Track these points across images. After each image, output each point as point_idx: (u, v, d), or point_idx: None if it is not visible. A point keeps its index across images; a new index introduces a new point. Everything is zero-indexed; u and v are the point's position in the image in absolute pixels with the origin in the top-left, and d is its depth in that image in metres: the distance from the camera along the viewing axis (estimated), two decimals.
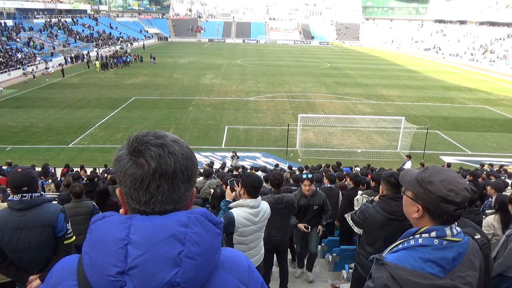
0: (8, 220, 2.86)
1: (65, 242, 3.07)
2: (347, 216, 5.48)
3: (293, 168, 13.24)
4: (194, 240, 0.96)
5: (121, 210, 1.12)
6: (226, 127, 22.06)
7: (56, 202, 3.15)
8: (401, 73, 44.50)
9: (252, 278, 1.09)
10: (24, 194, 2.87)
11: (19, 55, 40.27)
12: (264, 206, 3.99)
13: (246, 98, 29.46)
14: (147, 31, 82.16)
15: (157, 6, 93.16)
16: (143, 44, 66.29)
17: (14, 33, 46.40)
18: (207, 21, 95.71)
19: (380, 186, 3.86)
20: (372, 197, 5.03)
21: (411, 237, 1.54)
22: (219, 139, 20.18)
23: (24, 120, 22.81)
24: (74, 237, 3.21)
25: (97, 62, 42.37)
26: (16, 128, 21.37)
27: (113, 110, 25.07)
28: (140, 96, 29.18)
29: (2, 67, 35.85)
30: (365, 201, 5.09)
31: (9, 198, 2.92)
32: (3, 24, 46.88)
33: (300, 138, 19.25)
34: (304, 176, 5.54)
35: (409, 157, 14.75)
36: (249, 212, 3.79)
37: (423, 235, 1.51)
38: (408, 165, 14.05)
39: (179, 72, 40.82)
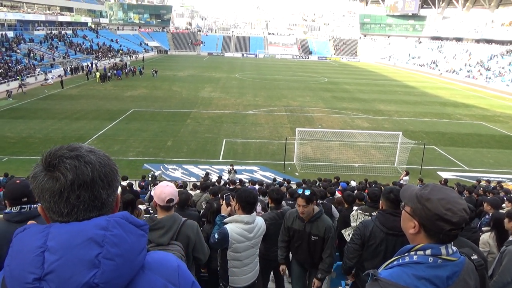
0: (7, 233, 2.77)
1: None
2: (344, 232, 5.44)
3: (291, 183, 13.19)
4: (113, 241, 0.99)
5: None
6: (224, 140, 22.06)
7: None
8: (399, 88, 44.86)
9: (182, 277, 1.12)
10: (23, 206, 2.81)
11: (18, 66, 40.45)
12: (259, 222, 3.95)
13: (245, 111, 29.56)
14: (147, 44, 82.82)
15: (158, 20, 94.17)
16: (143, 57, 66.75)
17: (15, 44, 46.68)
18: (206, 35, 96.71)
19: (380, 202, 3.86)
20: (370, 213, 5.01)
21: (406, 254, 1.54)
22: (217, 152, 20.15)
23: (21, 131, 22.75)
24: None
25: (97, 73, 42.63)
26: (13, 139, 21.30)
27: (111, 122, 25.07)
28: (138, 108, 29.24)
29: (1, 78, 35.94)
30: (362, 218, 5.06)
31: (6, 211, 2.85)
32: (4, 36, 47.19)
33: (297, 152, 19.26)
34: (299, 192, 3.99)
35: (406, 172, 14.75)
36: (243, 228, 3.74)
37: (418, 252, 1.51)
38: (405, 180, 14.03)
39: (178, 85, 41.02)
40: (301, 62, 76.86)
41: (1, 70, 37.48)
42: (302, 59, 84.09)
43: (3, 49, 43.61)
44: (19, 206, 2.82)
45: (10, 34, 49.49)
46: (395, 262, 1.53)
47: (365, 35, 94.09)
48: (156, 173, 16.46)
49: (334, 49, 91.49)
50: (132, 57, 67.52)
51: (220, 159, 19.13)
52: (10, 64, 40.03)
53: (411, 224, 1.56)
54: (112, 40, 72.17)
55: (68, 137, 21.74)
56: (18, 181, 2.91)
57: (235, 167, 16.59)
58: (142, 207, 7.93)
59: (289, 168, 18.16)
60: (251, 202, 3.77)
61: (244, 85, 42.91)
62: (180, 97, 34.25)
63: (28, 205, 2.85)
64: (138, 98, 33.32)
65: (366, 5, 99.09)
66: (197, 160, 18.77)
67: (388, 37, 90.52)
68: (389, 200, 3.65)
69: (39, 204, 1.09)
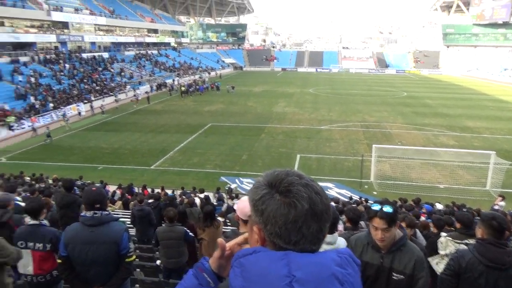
0: (80, 234, 3.07)
1: (127, 260, 3.19)
2: (431, 260, 5.02)
3: (369, 202, 12.70)
4: (350, 281, 1.01)
5: (252, 245, 1.15)
6: (298, 155, 22.03)
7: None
8: (489, 103, 41.06)
9: None
10: (96, 212, 3.08)
11: (112, 84, 44.90)
12: (341, 243, 3.85)
13: (319, 126, 29.30)
14: (224, 61, 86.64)
15: (234, 38, 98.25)
16: (220, 74, 69.89)
17: (109, 64, 51.93)
18: (280, 50, 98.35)
19: (478, 229, 3.54)
20: (465, 241, 4.61)
21: None
22: (291, 167, 20.02)
23: (114, 142, 25.09)
24: (134, 256, 3.37)
25: (182, 88, 46.24)
26: (107, 149, 23.58)
27: (191, 135, 26.51)
28: (216, 122, 30.55)
29: (98, 94, 40.16)
30: (453, 247, 4.67)
31: (82, 214, 3.16)
32: (100, 56, 52.85)
33: (375, 170, 18.50)
34: (376, 208, 2.86)
35: (502, 197, 13.33)
36: (324, 247, 3.66)
37: None
38: (501, 206, 12.70)
39: (253, 100, 42.12)
40: (377, 76, 74.31)
41: (98, 87, 41.92)
42: (378, 73, 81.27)
43: (100, 69, 48.74)
44: (92, 211, 3.11)
45: (106, 55, 55.21)
46: None
47: (448, 46, 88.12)
48: (232, 186, 16.95)
49: (414, 61, 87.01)
50: (210, 73, 71.07)
51: None
52: (105, 82, 44.62)
53: None
54: (192, 58, 76.82)
55: (153, 149, 23.44)
56: (94, 188, 3.23)
57: None
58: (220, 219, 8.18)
59: (366, 186, 17.51)
60: (332, 222, 3.69)
61: (318, 100, 42.64)
62: (255, 112, 35.08)
63: (100, 212, 3.13)
64: (215, 113, 34.86)
65: (449, 15, 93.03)
66: None
67: (475, 47, 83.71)
68: (492, 227, 3.30)
69: (257, 224, 1.10)
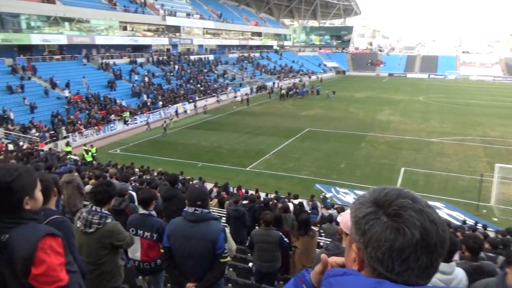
0: (181, 228, 3.26)
1: (221, 260, 3.27)
2: None
3: (488, 229, 11.28)
4: None
5: (348, 263, 1.09)
6: (402, 168, 20.68)
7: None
8: None
9: None
10: (197, 209, 3.22)
11: (215, 85, 47.81)
12: (459, 275, 3.42)
13: (428, 138, 27.15)
14: (325, 65, 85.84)
15: (338, 41, 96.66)
16: (321, 78, 69.45)
17: (213, 66, 55.38)
18: (388, 54, 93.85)
19: None
20: None
21: None
22: (393, 180, 19.00)
23: (213, 141, 26.64)
24: (229, 257, 3.45)
25: (283, 91, 47.24)
26: (206, 147, 25.15)
27: (288, 139, 26.79)
28: (314, 127, 30.39)
29: (201, 94, 43.09)
30: None
31: (184, 209, 3.33)
32: (206, 59, 56.68)
33: (497, 193, 16.38)
34: None
35: None
36: (438, 278, 3.31)
37: None
38: None
39: (355, 106, 40.95)
40: (504, 85, 66.07)
41: (202, 88, 45.01)
42: (505, 81, 72.21)
43: (205, 70, 52.28)
44: (193, 208, 3.25)
45: (211, 57, 59.03)
46: None
47: None
48: (328, 195, 16.60)
49: None
50: (310, 77, 71.08)
51: None
52: (209, 83, 47.70)
53: None
54: (293, 61, 77.74)
55: (250, 150, 24.26)
56: (197, 186, 3.39)
57: None
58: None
59: (484, 211, 15.61)
60: (451, 250, 3.32)
61: (428, 109, 39.58)
62: (356, 119, 34.04)
63: (201, 209, 3.27)
64: (314, 117, 34.72)
65: None
66: (370, 186, 18.09)
67: None
68: None
69: (356, 242, 1.05)
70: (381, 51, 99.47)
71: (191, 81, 45.92)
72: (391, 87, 59.98)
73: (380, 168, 20.89)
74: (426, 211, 0.98)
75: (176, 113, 35.67)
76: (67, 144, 23.31)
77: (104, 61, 40.06)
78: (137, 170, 16.15)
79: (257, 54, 72.79)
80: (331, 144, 25.55)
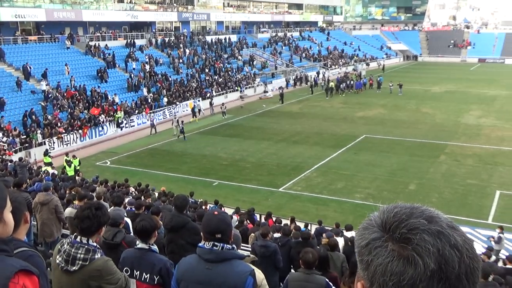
0: (195, 270, 3.24)
1: None
2: None
3: None
4: None
5: None
6: (498, 192, 20.15)
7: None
8: None
9: None
10: (216, 243, 3.22)
11: (238, 76, 48.34)
12: None
13: None
14: (390, 48, 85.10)
15: (408, 14, 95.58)
16: (383, 65, 68.94)
17: (237, 50, 56.02)
18: (478, 32, 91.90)
19: None
20: None
21: None
22: (485, 208, 18.55)
23: (234, 152, 26.90)
24: None
25: (331, 83, 47.19)
26: (225, 160, 25.42)
27: (336, 150, 26.66)
28: (372, 134, 30.14)
29: (220, 88, 43.63)
30: None
31: (199, 244, 3.35)
32: (227, 40, 57.39)
33: None
34: None
35: None
36: None
37: None
38: None
39: (429, 104, 40.33)
40: None
41: (221, 79, 45.61)
42: None
43: (225, 55, 52.95)
44: (212, 243, 3.26)
45: (234, 38, 59.81)
46: None
47: None
48: None
49: None
50: (368, 65, 70.59)
51: (490, 221, 17.48)
52: (230, 73, 48.32)
53: None
54: (345, 43, 77.62)
55: (284, 164, 24.31)
56: (216, 213, 3.40)
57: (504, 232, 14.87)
58: None
59: None
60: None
61: None
62: (431, 123, 33.50)
63: (221, 244, 3.25)
64: (373, 120, 34.47)
65: None
66: (452, 216, 17.58)
67: None
68: None
69: (361, 279, 1.11)
70: (468, 28, 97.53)
71: (207, 70, 46.79)
72: (483, 78, 58.63)
73: (465, 191, 20.42)
74: (446, 234, 1.01)
75: (194, 112, 36.40)
76: (46, 154, 24.09)
77: (93, 43, 41.47)
78: (132, 189, 16.52)
79: (296, 34, 73.18)
80: (397, 158, 25.21)
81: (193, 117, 35.89)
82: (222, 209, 15.95)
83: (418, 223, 1.03)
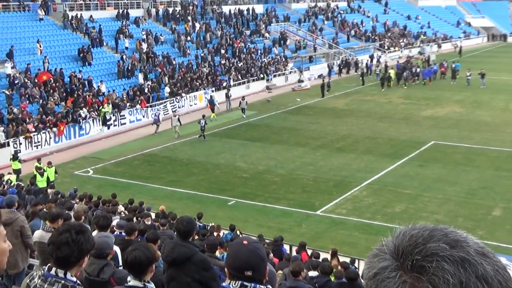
0: None
1: None
2: None
3: None
4: None
5: None
6: None
7: None
8: None
9: None
10: (246, 283, 3.22)
11: (264, 59, 48.32)
12: None
13: None
14: (469, 24, 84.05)
15: None
16: (460, 47, 68.19)
17: (263, 25, 56.01)
18: None
19: None
20: None
21: None
22: None
23: (258, 161, 26.89)
24: None
25: (391, 72, 46.83)
26: (246, 172, 25.42)
27: (394, 161, 26.42)
28: (443, 140, 29.83)
29: (239, 76, 43.56)
30: None
31: (224, 285, 3.34)
32: (250, 12, 57.37)
33: None
34: None
35: None
36: None
37: None
38: None
39: None
40: None
41: (241, 63, 45.59)
42: None
43: (247, 32, 52.95)
44: (240, 282, 3.25)
45: (259, 8, 59.74)
46: None
47: None
48: None
49: None
50: (440, 46, 69.83)
51: None
52: (253, 55, 48.35)
53: None
54: (409, 18, 76.96)
55: (323, 179, 24.16)
56: (245, 242, 3.37)
57: None
58: None
59: None
60: None
61: None
62: None
63: (252, 284, 3.25)
64: (444, 122, 34.16)
65: None
66: None
67: None
68: None
69: None
70: None
71: (223, 51, 46.86)
72: None
73: None
74: (473, 262, 1.02)
75: (213, 105, 36.22)
76: (16, 158, 24.23)
77: (73, 13, 41.76)
78: (122, 208, 16.60)
79: (343, 5, 72.79)
80: (477, 172, 24.90)
81: (212, 112, 35.63)
82: (241, 235, 15.95)
83: (438, 248, 1.05)
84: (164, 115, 34.80)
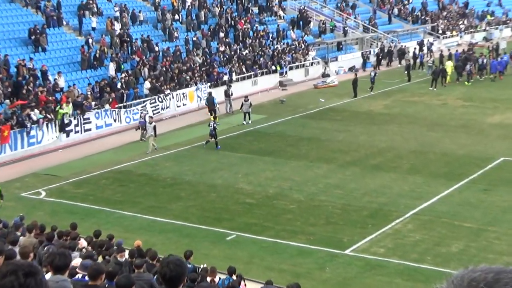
0: None
1: None
2: None
3: None
4: None
5: None
6: None
7: None
8: None
9: None
10: None
11: (277, 46, 48.38)
12: None
13: None
14: None
15: None
16: None
17: (277, 0, 56.11)
18: None
19: None
20: None
21: None
22: None
23: (267, 182, 26.92)
24: None
25: (448, 64, 46.91)
26: (251, 196, 25.42)
27: (451, 184, 26.40)
28: None
29: (245, 68, 43.60)
30: None
31: None
32: None
33: None
34: None
35: None
36: None
37: None
38: None
39: None
40: None
41: (246, 51, 45.63)
42: None
43: (255, 9, 53.12)
44: None
45: None
46: None
47: None
48: None
49: None
50: None
51: None
52: (263, 40, 48.40)
53: None
54: None
55: (354, 207, 24.10)
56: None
57: None
58: None
59: None
60: None
61: None
62: None
63: None
64: None
65: None
66: None
67: None
68: None
69: None
70: None
71: (222, 34, 47.02)
72: None
73: None
74: None
75: (214, 105, 36.42)
76: None
77: None
78: (84, 243, 16.63)
79: None
80: None
81: (213, 115, 34.97)
82: (243, 282, 15.97)
83: None
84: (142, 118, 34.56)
